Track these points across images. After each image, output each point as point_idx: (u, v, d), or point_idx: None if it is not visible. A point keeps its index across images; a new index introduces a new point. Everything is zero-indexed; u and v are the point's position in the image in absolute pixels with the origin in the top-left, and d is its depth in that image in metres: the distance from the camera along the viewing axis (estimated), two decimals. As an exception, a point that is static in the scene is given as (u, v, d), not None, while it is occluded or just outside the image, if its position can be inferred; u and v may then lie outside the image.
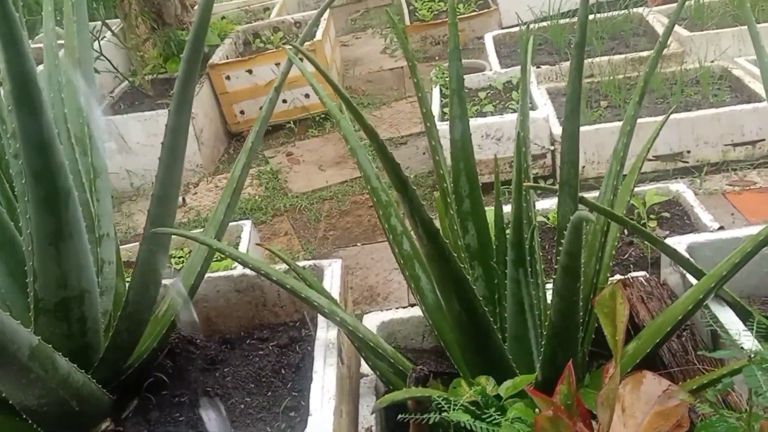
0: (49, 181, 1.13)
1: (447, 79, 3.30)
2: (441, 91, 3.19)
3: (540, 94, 2.93)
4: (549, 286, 1.20)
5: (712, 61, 3.03)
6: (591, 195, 1.70)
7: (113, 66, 3.67)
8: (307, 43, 3.85)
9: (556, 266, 1.07)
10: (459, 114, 1.46)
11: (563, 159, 1.34)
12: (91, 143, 1.41)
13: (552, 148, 2.74)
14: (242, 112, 3.94)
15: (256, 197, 3.33)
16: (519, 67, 3.24)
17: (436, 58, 4.61)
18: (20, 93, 1.05)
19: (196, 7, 2.18)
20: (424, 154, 3.36)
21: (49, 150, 1.11)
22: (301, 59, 1.43)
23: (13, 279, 1.27)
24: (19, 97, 1.05)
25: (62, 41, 1.47)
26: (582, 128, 2.68)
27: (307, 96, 3.90)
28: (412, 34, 4.66)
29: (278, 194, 3.30)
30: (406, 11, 4.89)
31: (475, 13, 4.59)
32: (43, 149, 1.10)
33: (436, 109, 2.98)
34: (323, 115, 3.94)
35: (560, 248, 1.03)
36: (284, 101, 3.92)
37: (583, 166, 2.75)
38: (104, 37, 3.71)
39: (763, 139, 2.58)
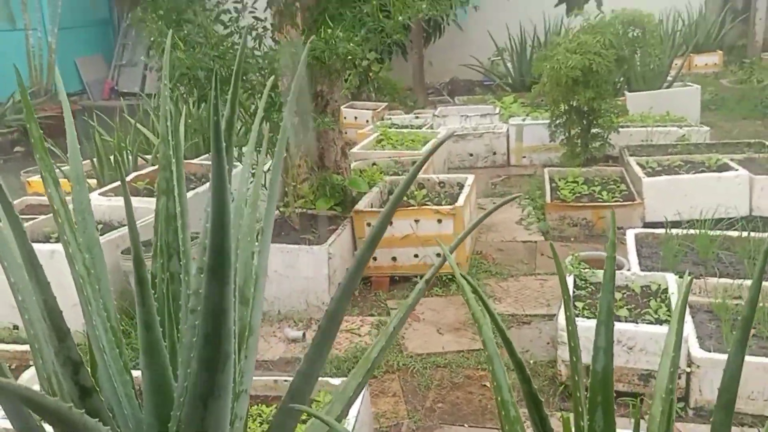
0: (216, 345, 1.22)
1: (582, 268, 3.28)
2: (575, 281, 3.16)
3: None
4: None
5: None
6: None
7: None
8: (447, 207, 4.01)
9: None
10: (604, 346, 1.44)
11: (719, 400, 1.29)
12: (255, 300, 1.51)
13: (689, 370, 2.59)
14: (374, 259, 4.08)
15: (362, 343, 3.36)
16: (659, 273, 3.18)
17: (572, 239, 4.61)
18: (215, 264, 1.17)
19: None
20: (548, 343, 3.27)
21: (223, 317, 1.21)
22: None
23: (159, 420, 1.35)
24: (213, 267, 1.17)
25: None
26: (721, 356, 2.55)
27: (438, 255, 3.99)
28: (550, 211, 4.71)
29: (393, 349, 3.32)
30: (548, 188, 4.98)
31: (619, 203, 4.59)
32: (219, 315, 1.20)
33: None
34: (450, 276, 4.00)
35: None
36: (416, 256, 4.04)
37: (721, 397, 2.56)
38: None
39: None
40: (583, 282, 3.21)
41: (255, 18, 3.86)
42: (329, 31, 3.47)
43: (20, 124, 8.95)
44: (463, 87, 11.27)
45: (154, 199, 4.38)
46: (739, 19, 11.55)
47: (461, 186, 4.63)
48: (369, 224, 4.05)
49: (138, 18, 3.88)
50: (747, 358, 2.53)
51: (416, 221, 4.00)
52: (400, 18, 3.48)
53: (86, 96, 12.84)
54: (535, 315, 3.60)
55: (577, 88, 5.16)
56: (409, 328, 3.55)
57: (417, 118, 7.86)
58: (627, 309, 2.88)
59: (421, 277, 4.16)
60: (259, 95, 3.56)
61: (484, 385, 2.98)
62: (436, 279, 4.01)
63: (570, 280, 3.17)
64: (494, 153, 6.72)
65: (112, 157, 5.26)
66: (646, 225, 4.53)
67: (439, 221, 3.96)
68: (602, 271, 3.18)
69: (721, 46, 11.30)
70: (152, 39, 3.68)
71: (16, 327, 3.67)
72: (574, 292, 3.07)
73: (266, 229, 1.55)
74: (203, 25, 3.58)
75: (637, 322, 2.72)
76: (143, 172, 4.90)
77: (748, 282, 3.08)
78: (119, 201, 4.34)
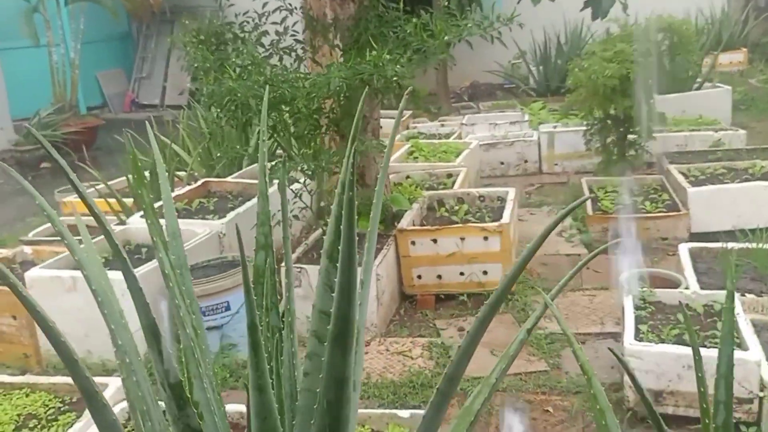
0: (337, 412, 1.20)
1: (642, 291, 3.23)
2: (635, 304, 3.11)
3: (747, 328, 2.77)
4: None
5: None
6: None
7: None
8: (494, 224, 3.97)
9: None
10: (724, 400, 1.40)
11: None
12: (357, 355, 1.49)
13: (762, 394, 2.54)
14: (419, 277, 4.05)
15: (426, 372, 3.33)
16: (720, 292, 3.12)
17: (615, 252, 4.54)
18: (339, 333, 1.15)
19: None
20: (612, 368, 3.22)
21: (345, 385, 1.18)
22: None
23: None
24: (337, 337, 1.15)
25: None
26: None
27: (485, 273, 3.96)
28: (592, 223, 4.66)
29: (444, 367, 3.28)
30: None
31: (663, 213, 4.53)
32: (341, 384, 1.18)
33: (630, 325, 2.88)
34: (497, 294, 3.96)
35: None
36: (461, 273, 4.00)
37: (798, 422, 2.51)
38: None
39: None
40: (641, 302, 3.16)
41: (296, 41, 3.85)
42: (373, 53, 3.44)
43: (47, 140, 9.00)
44: (484, 91, 11.21)
45: (195, 221, 4.37)
46: (763, 17, 11.41)
47: (501, 199, 4.59)
48: (413, 242, 4.02)
49: (179, 41, 3.88)
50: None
51: (462, 239, 3.97)
52: (445, 38, 3.44)
53: (108, 109, 12.93)
54: (588, 333, 3.55)
55: (615, 96, 5.10)
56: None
57: (443, 126, 7.82)
58: (695, 333, 2.82)
59: (468, 296, 4.10)
60: (306, 119, 3.55)
61: (547, 411, 2.94)
62: (484, 297, 3.97)
63: (629, 301, 3.12)
64: (525, 161, 6.67)
65: (147, 173, 5.26)
66: (692, 237, 4.47)
67: (485, 238, 3.92)
68: (663, 290, 3.13)
69: (745, 43, 11.16)
70: (195, 65, 3.67)
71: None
72: (633, 312, 3.02)
73: (366, 282, 1.53)
74: (248, 50, 3.57)
75: (706, 346, 2.67)
76: (181, 192, 4.90)
77: (814, 300, 3.02)
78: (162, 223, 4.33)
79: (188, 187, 4.99)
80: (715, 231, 4.43)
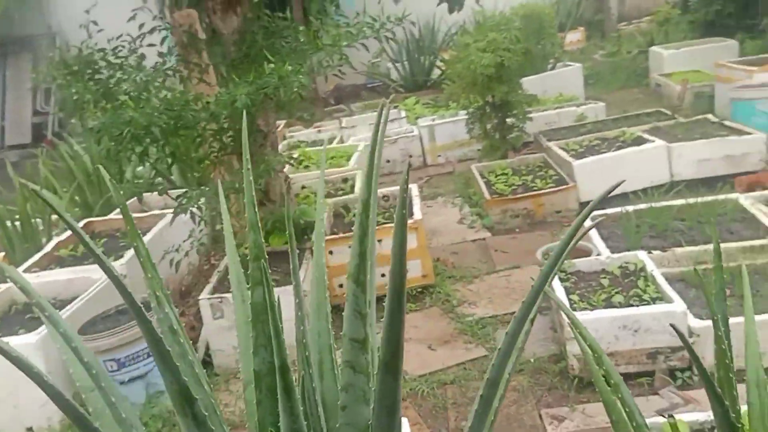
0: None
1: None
2: (558, 275, 3.28)
3: (665, 283, 3.01)
4: None
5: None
6: None
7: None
8: (409, 221, 4.02)
9: None
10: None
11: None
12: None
13: (692, 340, 2.77)
14: (341, 286, 4.02)
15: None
16: (631, 253, 3.36)
17: (517, 230, 4.78)
18: (391, 358, 1.11)
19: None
20: (544, 338, 3.37)
21: (396, 412, 1.15)
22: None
23: None
24: (388, 363, 1.11)
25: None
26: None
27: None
28: (492, 207, 4.86)
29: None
30: (482, 184, 5.12)
31: (554, 188, 4.81)
32: (393, 412, 1.15)
33: (562, 297, 3.04)
34: (420, 289, 4.03)
35: None
36: (383, 275, 4.00)
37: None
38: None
39: None
40: (563, 273, 3.33)
41: (183, 61, 3.67)
42: (271, 65, 3.35)
43: None
44: (349, 93, 11.29)
45: (93, 266, 4.05)
46: (592, -4, 12.43)
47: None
48: (331, 252, 3.99)
49: (51, 73, 3.57)
50: (738, 318, 2.74)
51: (379, 241, 3.98)
52: (344, 44, 3.43)
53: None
54: (513, 312, 3.68)
55: (492, 84, 5.34)
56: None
57: (320, 132, 7.80)
58: (620, 295, 3.03)
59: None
60: (210, 141, 3.40)
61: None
62: (408, 294, 4.02)
63: (557, 284, 3.28)
64: (410, 156, 6.82)
65: (15, 224, 4.78)
66: (582, 206, 4.79)
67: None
68: (579, 260, 3.32)
69: (581, 23, 12.10)
70: (75, 98, 3.39)
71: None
72: (560, 284, 3.18)
73: (302, 302, 1.48)
74: (131, 77, 3.35)
75: (637, 305, 2.88)
76: (63, 238, 4.51)
77: (710, 246, 3.34)
78: (49, 276, 3.97)
79: (69, 232, 4.59)
80: (608, 197, 4.78)
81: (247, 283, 1.74)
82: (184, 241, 3.79)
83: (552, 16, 5.47)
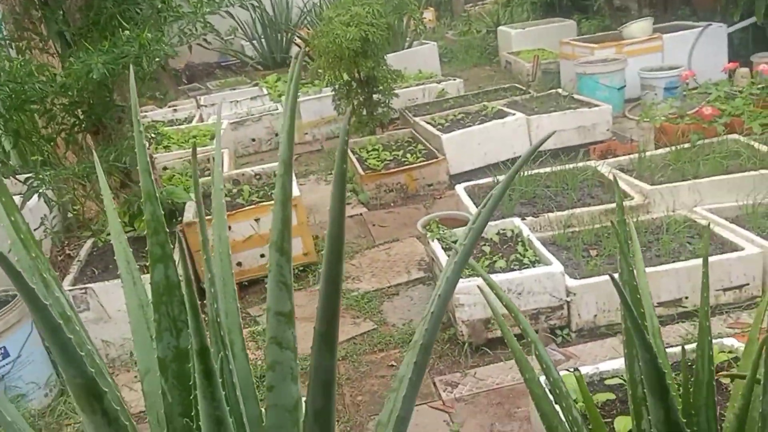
0: (324, 422, 1.08)
1: (442, 234, 3.45)
2: (441, 245, 3.32)
3: (541, 246, 3.14)
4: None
5: (674, 211, 3.45)
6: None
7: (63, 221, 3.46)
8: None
9: None
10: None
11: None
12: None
13: (568, 299, 2.93)
14: (239, 264, 3.81)
15: (258, 362, 3.18)
16: (508, 220, 3.48)
17: (392, 204, 4.80)
18: (327, 330, 1.02)
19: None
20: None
21: (332, 389, 1.07)
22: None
23: None
24: (324, 334, 1.02)
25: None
26: (591, 280, 2.90)
27: (285, 250, 3.86)
28: (366, 182, 4.84)
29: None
30: (354, 160, 5.08)
31: (425, 162, 4.88)
32: (329, 388, 1.07)
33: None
34: (301, 268, 3.92)
35: None
36: (262, 256, 3.87)
37: (595, 315, 2.96)
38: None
39: (748, 284, 2.93)
40: (444, 243, 3.38)
41: (23, 28, 3.25)
42: (126, 33, 3.06)
43: None
44: (202, 71, 10.79)
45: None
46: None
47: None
48: (205, 235, 3.76)
49: None
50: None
51: (256, 220, 3.82)
52: (207, 10, 3.21)
53: None
54: (399, 284, 3.71)
55: (358, 59, 5.29)
56: (287, 331, 3.42)
57: (176, 111, 7.37)
58: (502, 260, 3.12)
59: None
60: (62, 117, 3.04)
61: (392, 365, 3.03)
62: (289, 274, 3.90)
63: (436, 245, 3.32)
64: (276, 134, 6.63)
65: None
66: (452, 178, 4.91)
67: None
68: (459, 229, 3.39)
69: (430, 3, 12.39)
70: None
71: None
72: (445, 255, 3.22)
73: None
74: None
75: (519, 269, 2.98)
76: None
77: (576, 210, 3.55)
78: None
79: None
80: (468, 170, 4.93)
81: (138, 263, 1.57)
82: (35, 230, 3.39)
83: (413, -10, 5.53)
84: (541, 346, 1.55)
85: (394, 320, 3.37)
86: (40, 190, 2.99)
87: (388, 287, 3.69)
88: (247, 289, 3.87)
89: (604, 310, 2.95)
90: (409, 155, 5.05)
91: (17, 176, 3.18)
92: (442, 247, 3.31)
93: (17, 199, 3.56)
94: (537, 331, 2.97)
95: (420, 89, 6.80)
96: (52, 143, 3.17)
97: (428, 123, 5.37)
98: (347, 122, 0.97)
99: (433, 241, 3.38)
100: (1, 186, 1.11)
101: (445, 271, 1.32)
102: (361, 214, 4.71)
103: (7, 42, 3.36)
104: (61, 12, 3.42)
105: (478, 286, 1.76)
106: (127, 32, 3.07)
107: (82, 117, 3.15)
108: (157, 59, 3.15)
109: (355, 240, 4.32)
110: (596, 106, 5.21)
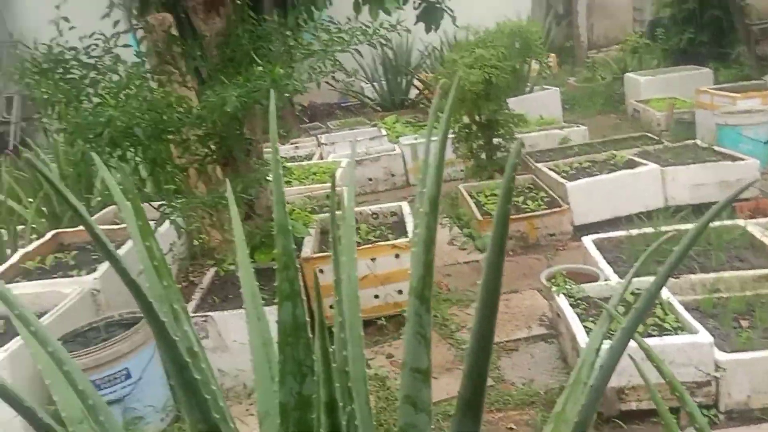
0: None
1: (569, 284, 3.21)
2: (569, 302, 3.08)
3: (684, 312, 2.83)
4: None
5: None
6: None
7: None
8: (405, 240, 3.79)
9: None
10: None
11: None
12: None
13: (717, 375, 2.59)
14: (331, 307, 3.74)
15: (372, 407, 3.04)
16: (644, 279, 3.19)
17: (511, 253, 4.58)
18: (473, 396, 0.87)
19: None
20: (554, 368, 3.16)
21: None
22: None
23: None
24: (468, 402, 0.88)
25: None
26: (744, 355, 2.56)
27: (399, 292, 3.76)
28: (484, 228, 4.66)
29: (394, 407, 3.03)
30: (472, 204, 4.93)
31: (548, 210, 4.65)
32: None
33: (577, 325, 2.83)
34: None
35: None
36: (376, 296, 3.77)
37: (749, 396, 2.60)
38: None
39: None
40: (572, 299, 3.14)
41: (165, 62, 3.40)
42: (258, 68, 3.12)
43: None
44: (323, 111, 11.10)
45: (63, 280, 3.71)
46: (563, 23, 12.54)
47: (395, 214, 4.45)
48: (321, 270, 3.72)
49: (11, 80, 3.26)
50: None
51: (372, 260, 3.74)
52: (338, 48, 3.22)
53: None
54: (518, 339, 3.48)
55: (480, 101, 5.18)
56: (397, 377, 3.28)
57: (297, 148, 7.56)
58: (643, 325, 2.83)
59: (386, 319, 3.87)
60: (195, 148, 3.13)
61: (510, 429, 2.80)
62: (402, 317, 3.77)
63: (563, 300, 3.09)
64: (393, 175, 6.62)
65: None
66: (576, 229, 4.64)
67: (397, 256, 3.73)
68: (589, 284, 3.14)
69: (551, 50, 12.18)
70: (45, 98, 3.09)
71: None
72: (573, 312, 2.98)
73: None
74: (109, 78, 3.08)
75: (660, 336, 2.68)
76: (29, 249, 4.14)
77: (724, 274, 3.19)
78: (16, 288, 3.60)
79: (36, 243, 4.24)
80: (595, 222, 4.64)
81: (263, 299, 1.49)
82: (164, 255, 3.48)
83: (539, 34, 5.37)
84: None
85: (512, 378, 3.14)
86: (172, 217, 3.06)
87: (507, 341, 3.47)
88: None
89: (759, 391, 2.59)
90: (530, 202, 4.83)
91: (151, 203, 3.29)
92: (570, 304, 3.07)
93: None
94: (678, 408, 2.65)
95: (542, 135, 6.59)
96: (184, 173, 3.26)
97: (551, 170, 5.14)
98: (514, 157, 0.83)
99: (559, 295, 3.14)
100: (140, 210, 1.07)
101: (595, 337, 1.14)
102: (477, 261, 4.53)
103: (150, 75, 3.52)
104: (200, 48, 3.56)
105: (629, 354, 1.55)
106: (260, 68, 3.13)
107: (213, 148, 3.22)
108: (286, 94, 3.17)
109: (470, 288, 4.13)
110: (741, 159, 4.78)
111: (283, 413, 1.19)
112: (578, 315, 2.97)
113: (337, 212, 3.97)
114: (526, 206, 4.80)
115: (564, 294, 3.15)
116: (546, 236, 4.63)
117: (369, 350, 3.55)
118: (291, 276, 1.21)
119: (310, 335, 1.20)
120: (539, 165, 5.35)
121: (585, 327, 2.82)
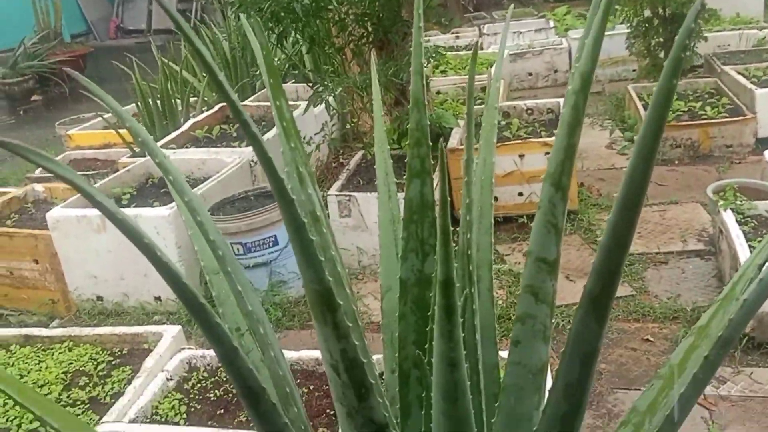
0: (575, 400, 0.88)
1: (739, 199, 2.92)
2: (736, 218, 2.80)
3: None
4: None
5: None
6: None
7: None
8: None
9: None
10: None
11: None
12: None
13: None
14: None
15: (499, 301, 3.06)
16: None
17: (676, 162, 4.22)
18: (602, 292, 0.82)
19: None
20: (707, 286, 2.94)
21: (592, 364, 0.86)
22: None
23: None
24: (597, 297, 0.82)
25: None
26: None
27: (547, 192, 3.62)
28: (650, 133, 4.30)
29: (527, 304, 3.00)
30: (640, 107, 4.55)
31: (728, 118, 4.17)
32: (589, 362, 0.86)
33: (742, 244, 2.58)
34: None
35: None
36: (520, 194, 3.68)
37: None
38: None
39: None
40: (740, 216, 2.85)
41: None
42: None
43: (34, 71, 8.41)
44: (489, 0, 10.58)
45: (225, 149, 3.98)
46: None
47: (551, 111, 4.22)
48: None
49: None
50: None
51: (521, 156, 3.62)
52: None
53: (92, 36, 12.16)
54: (669, 252, 3.26)
55: (667, -9, 4.64)
56: (534, 277, 3.23)
57: (458, 38, 7.31)
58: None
59: (527, 218, 3.77)
60: (352, 28, 3.11)
61: (647, 340, 2.68)
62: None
63: (729, 215, 2.81)
64: (555, 71, 6.24)
65: (158, 103, 4.83)
66: (759, 142, 4.15)
67: (547, 153, 3.57)
68: (764, 201, 2.81)
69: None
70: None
71: (100, 298, 3.40)
72: (740, 232, 2.71)
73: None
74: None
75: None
76: (198, 119, 4.48)
77: None
78: (185, 154, 3.95)
79: (205, 114, 4.56)
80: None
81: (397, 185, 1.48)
82: (316, 134, 3.61)
83: None
84: None
85: (657, 291, 2.98)
86: (324, 96, 3.12)
87: (656, 253, 3.26)
88: (500, 225, 3.72)
89: None
90: (708, 108, 4.35)
91: (308, 83, 3.37)
92: (737, 221, 2.79)
93: (303, 104, 3.81)
94: None
95: (735, 34, 5.82)
96: (341, 53, 3.28)
97: (740, 74, 4.56)
98: (691, 20, 0.70)
99: (725, 210, 2.87)
100: (272, 67, 1.07)
101: (760, 251, 1.01)
102: (637, 168, 4.22)
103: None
104: None
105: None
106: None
107: (370, 29, 3.19)
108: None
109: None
110: None
111: (402, 289, 1.21)
112: (744, 233, 2.70)
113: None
114: (703, 113, 4.33)
115: (732, 209, 2.86)
116: (721, 147, 4.18)
117: (506, 246, 3.51)
118: (422, 153, 1.18)
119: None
120: (726, 68, 4.77)
121: (750, 246, 2.57)
